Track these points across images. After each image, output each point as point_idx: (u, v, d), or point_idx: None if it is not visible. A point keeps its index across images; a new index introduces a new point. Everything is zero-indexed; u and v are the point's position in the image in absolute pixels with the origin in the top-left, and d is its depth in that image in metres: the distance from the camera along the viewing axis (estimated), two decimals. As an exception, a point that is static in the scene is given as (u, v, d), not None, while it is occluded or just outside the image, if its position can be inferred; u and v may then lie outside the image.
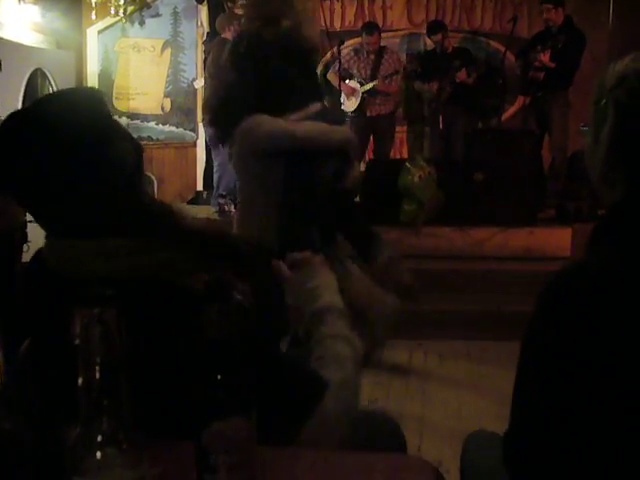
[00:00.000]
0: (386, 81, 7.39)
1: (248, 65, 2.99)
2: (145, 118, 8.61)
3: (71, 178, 1.18)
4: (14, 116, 1.22)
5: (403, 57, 8.01)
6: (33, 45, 7.67)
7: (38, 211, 1.27)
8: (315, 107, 3.03)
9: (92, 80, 8.76)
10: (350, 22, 8.59)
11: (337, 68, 7.50)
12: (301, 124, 2.95)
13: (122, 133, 1.29)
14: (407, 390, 4.34)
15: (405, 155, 8.13)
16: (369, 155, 7.77)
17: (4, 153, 1.20)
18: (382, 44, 7.53)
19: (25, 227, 4.00)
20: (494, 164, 6.32)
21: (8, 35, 7.21)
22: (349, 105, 7.51)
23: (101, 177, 1.21)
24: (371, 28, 7.52)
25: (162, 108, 8.63)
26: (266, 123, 2.93)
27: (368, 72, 7.43)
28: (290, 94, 2.96)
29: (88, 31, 8.76)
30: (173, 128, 8.63)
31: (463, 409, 3.96)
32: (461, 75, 7.23)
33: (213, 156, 7.27)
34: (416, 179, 6.02)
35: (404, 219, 6.12)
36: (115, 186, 1.23)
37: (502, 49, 7.90)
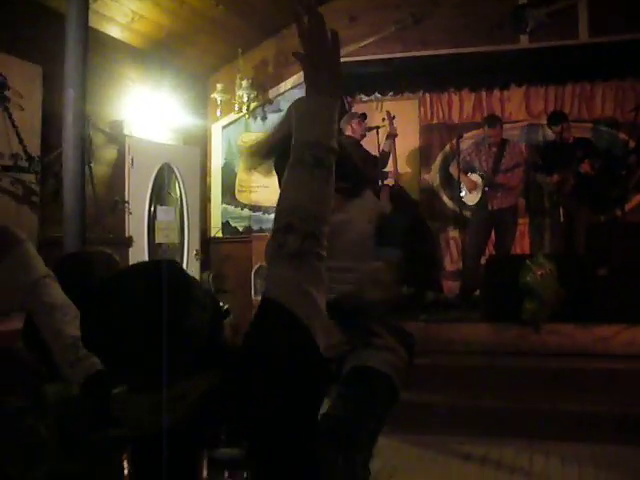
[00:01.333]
0: (508, 174, 7.39)
1: None
2: (266, 210, 8.88)
3: (148, 347, 1.25)
4: (103, 287, 1.33)
5: (524, 149, 8.01)
6: (162, 142, 8.13)
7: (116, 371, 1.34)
8: None
9: (216, 174, 9.16)
10: (468, 115, 8.66)
11: (458, 161, 7.57)
12: None
13: (201, 303, 1.35)
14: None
15: (526, 248, 8.03)
16: (490, 249, 7.72)
17: (93, 322, 1.30)
18: (503, 137, 7.57)
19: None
20: (618, 258, 6.18)
21: (139, 133, 7.68)
22: (470, 198, 7.52)
23: (176, 346, 1.27)
24: (494, 121, 7.56)
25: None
26: None
27: (490, 165, 7.43)
28: None
29: (213, 127, 9.21)
30: (293, 219, 8.83)
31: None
32: (584, 167, 7.12)
33: None
34: (537, 277, 5.96)
35: (526, 317, 6.04)
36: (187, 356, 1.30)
37: (625, 138, 7.78)
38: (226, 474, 0.81)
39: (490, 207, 7.39)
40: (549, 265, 6.05)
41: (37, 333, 2.04)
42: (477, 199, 7.45)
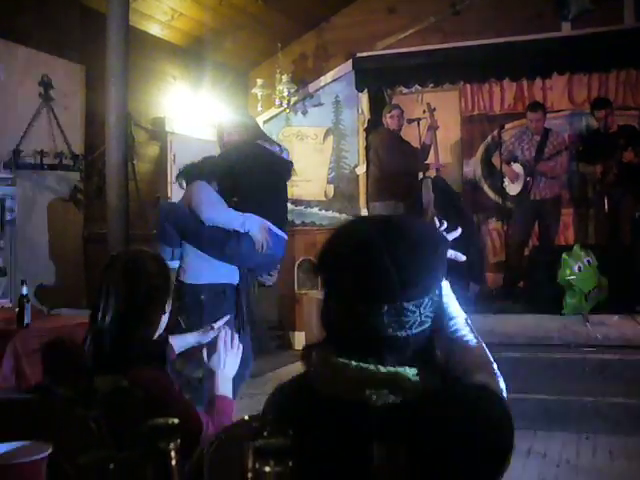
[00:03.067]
0: (550, 163, 7.31)
1: None
2: (308, 204, 8.90)
3: None
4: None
5: (567, 138, 7.91)
6: (203, 138, 8.18)
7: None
8: None
9: (259, 169, 9.19)
10: (510, 105, 8.57)
11: (499, 151, 7.51)
12: None
13: None
14: (575, 489, 4.19)
15: (571, 239, 7.93)
16: (534, 241, 7.64)
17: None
18: (545, 125, 7.49)
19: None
20: (665, 248, 6.09)
21: (180, 129, 7.74)
22: (512, 189, 7.45)
23: None
24: (535, 106, 7.50)
25: (325, 194, 8.89)
26: None
27: (532, 154, 7.35)
28: None
29: (255, 122, 9.24)
30: (336, 214, 8.85)
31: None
32: (628, 155, 7.00)
33: None
34: (575, 271, 5.88)
35: (568, 312, 5.99)
36: None
37: (671, 125, 7.65)
38: (272, 463, 0.82)
39: (532, 197, 7.32)
40: (587, 256, 5.97)
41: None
42: (519, 189, 7.38)
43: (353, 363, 1.24)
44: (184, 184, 4.44)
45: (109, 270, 2.20)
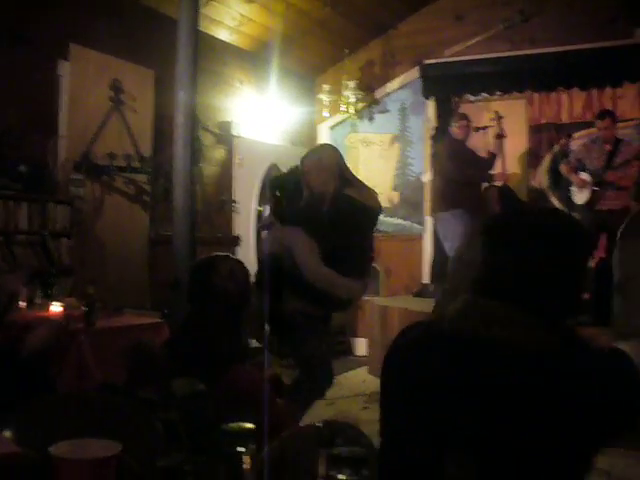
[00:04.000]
0: (619, 173, 7.15)
1: None
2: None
3: None
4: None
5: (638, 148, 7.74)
6: (269, 142, 8.25)
7: None
8: None
9: (323, 175, 9.21)
10: (578, 114, 8.42)
11: (569, 159, 7.39)
12: None
13: None
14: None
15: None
16: (600, 253, 7.48)
17: None
18: (617, 135, 7.34)
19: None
20: None
21: (247, 133, 7.81)
22: (579, 197, 7.32)
23: None
24: (603, 113, 7.36)
25: (390, 201, 8.87)
26: None
27: (602, 163, 7.21)
28: None
29: (320, 127, 9.29)
30: (401, 221, 8.83)
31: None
32: (698, 166, 6.84)
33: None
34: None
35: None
36: None
37: None
38: (347, 472, 0.82)
39: (598, 207, 7.18)
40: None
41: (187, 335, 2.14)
42: (586, 198, 7.24)
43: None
44: (271, 217, 4.57)
45: (201, 274, 2.25)
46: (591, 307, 6.56)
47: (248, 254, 7.53)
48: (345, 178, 4.56)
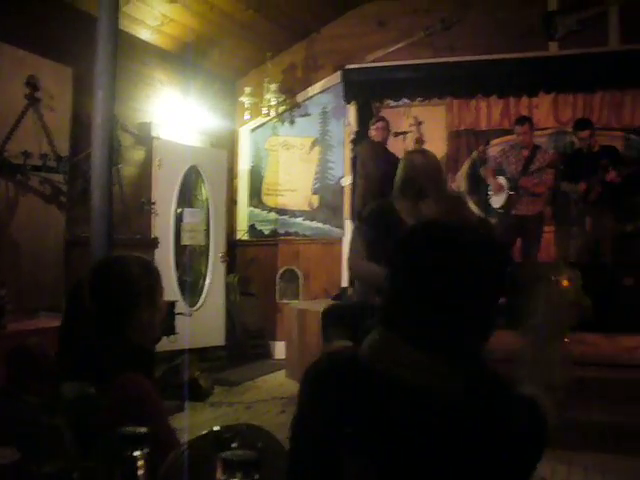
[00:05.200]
0: (535, 179, 7.34)
1: None
2: (293, 214, 8.91)
3: None
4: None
5: (553, 156, 7.97)
6: (189, 144, 8.18)
7: None
8: None
9: (243, 177, 9.21)
10: (496, 121, 8.62)
11: (488, 164, 7.54)
12: None
13: None
14: (548, 506, 4.20)
15: (553, 257, 7.97)
16: (516, 257, 7.66)
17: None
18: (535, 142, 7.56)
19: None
20: (645, 268, 6.13)
21: (167, 135, 7.73)
22: (496, 201, 7.49)
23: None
24: (522, 119, 7.59)
25: (310, 204, 8.90)
26: None
27: (519, 168, 7.40)
28: None
29: (241, 130, 9.26)
30: (320, 224, 8.86)
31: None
32: (610, 175, 7.06)
33: None
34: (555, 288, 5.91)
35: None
36: None
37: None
38: (239, 476, 0.82)
39: (514, 212, 7.36)
40: (571, 273, 6.00)
41: (73, 333, 2.08)
42: (502, 202, 7.41)
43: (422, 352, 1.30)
44: None
45: (89, 275, 2.18)
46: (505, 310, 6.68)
47: (167, 257, 7.46)
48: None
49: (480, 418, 1.28)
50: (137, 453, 0.89)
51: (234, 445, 0.88)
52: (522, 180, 7.34)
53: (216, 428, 0.98)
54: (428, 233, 1.41)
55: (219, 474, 0.83)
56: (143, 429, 0.90)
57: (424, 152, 4.73)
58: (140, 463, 0.88)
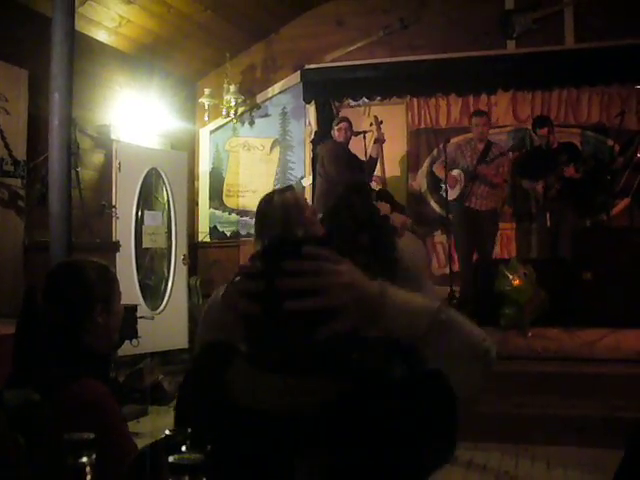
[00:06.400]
0: (490, 168, 7.41)
1: None
2: (254, 215, 8.86)
3: None
4: None
5: (509, 151, 8.08)
6: (149, 146, 8.12)
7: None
8: None
9: (204, 178, 9.16)
10: (455, 119, 8.69)
11: (443, 160, 7.59)
12: None
13: None
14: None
15: (513, 253, 8.06)
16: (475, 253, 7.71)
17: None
18: (489, 139, 7.64)
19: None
20: (603, 262, 6.22)
21: (126, 137, 7.67)
22: (452, 194, 7.54)
23: None
24: (479, 112, 7.73)
25: (271, 205, 8.87)
26: None
27: (474, 160, 7.46)
28: None
29: (201, 131, 9.21)
30: (282, 225, 8.84)
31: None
32: (569, 171, 7.16)
33: None
34: (513, 283, 5.98)
35: (504, 323, 6.07)
36: None
37: (611, 143, 7.85)
38: (186, 479, 0.81)
39: (467, 204, 7.41)
40: (524, 269, 6.08)
41: (29, 339, 2.05)
42: (457, 194, 7.46)
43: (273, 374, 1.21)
44: None
45: (44, 279, 2.16)
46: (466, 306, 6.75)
47: (128, 260, 7.39)
48: None
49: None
50: (84, 460, 0.88)
51: (184, 448, 0.87)
52: (480, 168, 7.39)
53: (167, 432, 0.97)
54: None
55: (169, 478, 0.83)
56: (90, 435, 0.89)
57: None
58: (87, 470, 0.87)
